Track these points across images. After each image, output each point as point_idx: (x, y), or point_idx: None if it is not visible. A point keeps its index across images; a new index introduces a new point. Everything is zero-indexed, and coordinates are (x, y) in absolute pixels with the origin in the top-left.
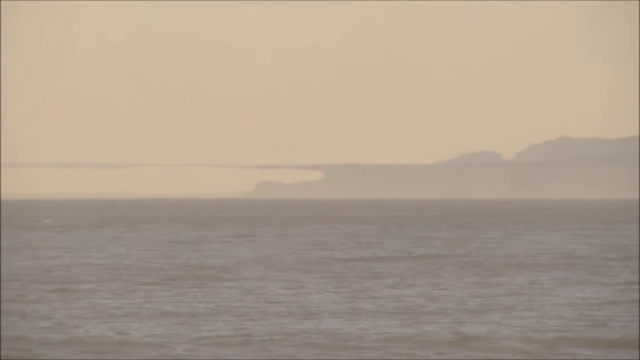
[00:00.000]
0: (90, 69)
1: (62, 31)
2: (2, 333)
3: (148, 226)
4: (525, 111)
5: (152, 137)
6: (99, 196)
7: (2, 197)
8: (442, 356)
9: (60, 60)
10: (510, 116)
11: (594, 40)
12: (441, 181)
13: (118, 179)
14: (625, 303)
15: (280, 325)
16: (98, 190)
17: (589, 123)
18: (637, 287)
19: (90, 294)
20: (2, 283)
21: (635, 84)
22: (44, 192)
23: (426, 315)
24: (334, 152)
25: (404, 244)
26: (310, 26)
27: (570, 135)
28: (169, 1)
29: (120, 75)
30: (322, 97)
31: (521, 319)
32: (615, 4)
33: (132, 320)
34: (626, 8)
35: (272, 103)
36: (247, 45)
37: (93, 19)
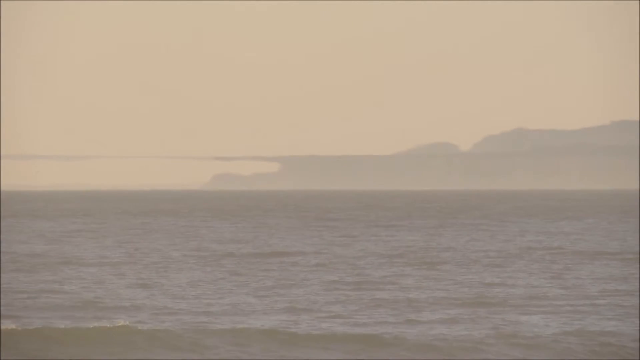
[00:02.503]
0: (46, 63)
1: (18, 30)
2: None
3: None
4: (480, 102)
5: (105, 129)
6: (51, 188)
7: None
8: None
9: (18, 54)
10: (466, 107)
11: (550, 33)
12: (397, 172)
13: (71, 170)
14: (613, 296)
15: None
16: (50, 182)
17: (544, 114)
18: (621, 280)
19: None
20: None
21: (587, 75)
22: None
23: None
24: (290, 144)
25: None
26: (268, 17)
27: (526, 127)
28: (141, 1)
29: (75, 67)
30: (278, 88)
31: (514, 322)
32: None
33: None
34: (577, 4)
35: (227, 94)
36: (201, 38)
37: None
